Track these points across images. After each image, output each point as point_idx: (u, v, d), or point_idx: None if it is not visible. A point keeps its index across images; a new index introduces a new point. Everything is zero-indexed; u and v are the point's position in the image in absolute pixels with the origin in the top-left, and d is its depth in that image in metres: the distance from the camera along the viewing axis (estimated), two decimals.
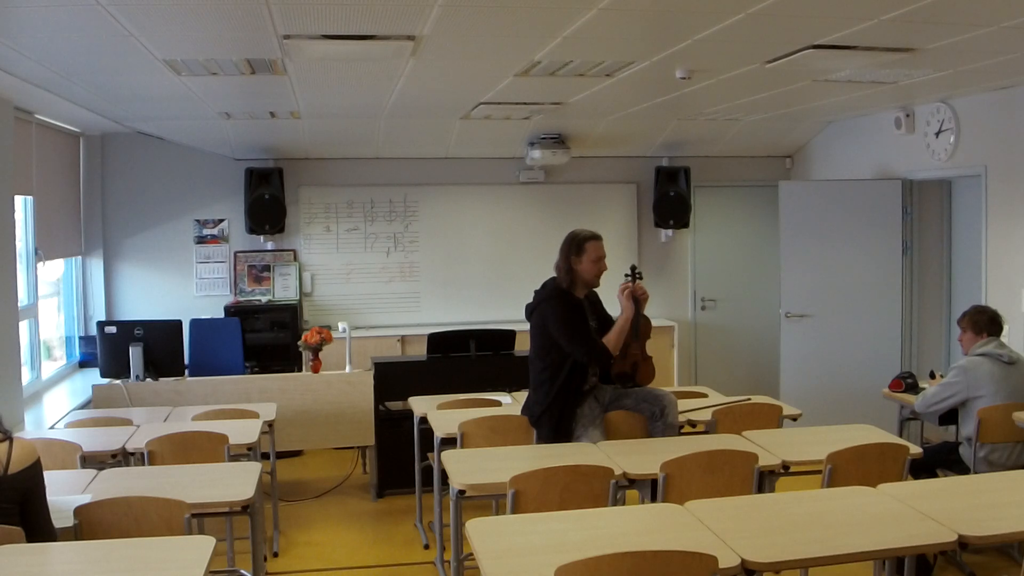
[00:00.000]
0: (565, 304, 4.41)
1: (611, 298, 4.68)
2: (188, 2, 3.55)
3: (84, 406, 5.89)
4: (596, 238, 4.48)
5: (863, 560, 3.02)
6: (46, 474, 3.06)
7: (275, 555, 5.24)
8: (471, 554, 2.98)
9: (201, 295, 7.93)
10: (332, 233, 8.16)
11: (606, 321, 4.60)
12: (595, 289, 4.61)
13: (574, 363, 4.38)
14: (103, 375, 5.96)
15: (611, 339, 4.42)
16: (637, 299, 4.51)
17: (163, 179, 7.84)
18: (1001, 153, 6.07)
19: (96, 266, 7.69)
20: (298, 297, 7.91)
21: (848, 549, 2.87)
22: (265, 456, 5.16)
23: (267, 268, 7.97)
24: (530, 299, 4.57)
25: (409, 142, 7.82)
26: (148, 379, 5.90)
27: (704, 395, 5.51)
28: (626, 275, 4.59)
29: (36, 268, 6.29)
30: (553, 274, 4.56)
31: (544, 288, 4.55)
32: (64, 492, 3.51)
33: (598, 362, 4.43)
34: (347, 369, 6.35)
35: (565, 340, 4.36)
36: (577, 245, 4.45)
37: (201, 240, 7.98)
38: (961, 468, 4.76)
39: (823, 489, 3.70)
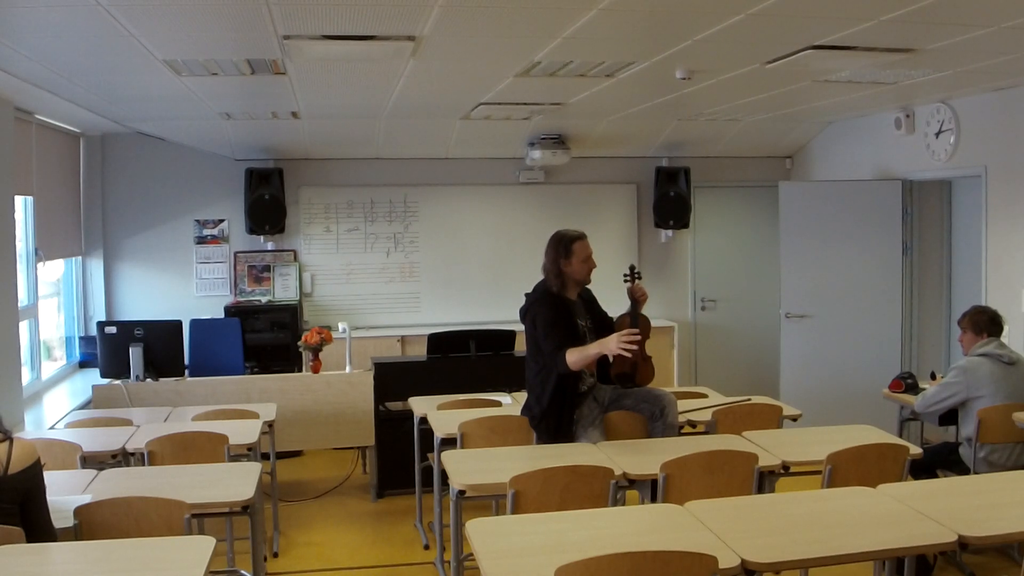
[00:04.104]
0: (552, 306, 4.39)
1: (610, 298, 4.69)
2: (188, 2, 3.55)
3: (84, 406, 5.89)
4: (582, 238, 4.46)
5: (863, 560, 3.02)
6: (46, 474, 3.06)
7: (275, 555, 5.24)
8: (471, 554, 2.98)
9: (201, 295, 7.93)
10: (332, 233, 8.16)
11: (602, 319, 4.58)
12: (588, 287, 4.58)
13: None
14: (103, 375, 5.97)
15: (573, 357, 4.19)
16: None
17: (163, 179, 7.84)
18: (1001, 153, 6.07)
19: (96, 266, 7.69)
20: (298, 297, 7.91)
21: (848, 549, 2.87)
22: (265, 456, 5.16)
23: (267, 268, 7.97)
24: None
25: (409, 142, 7.82)
26: (148, 379, 5.90)
27: (704, 395, 5.51)
28: (624, 275, 4.58)
29: (36, 268, 6.29)
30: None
31: (534, 291, 4.53)
32: (64, 492, 3.51)
33: (554, 367, 4.28)
34: (347, 369, 6.35)
35: (542, 338, 4.33)
36: (565, 248, 4.42)
37: (201, 240, 7.98)
38: (961, 468, 4.75)
39: (823, 489, 3.69)
